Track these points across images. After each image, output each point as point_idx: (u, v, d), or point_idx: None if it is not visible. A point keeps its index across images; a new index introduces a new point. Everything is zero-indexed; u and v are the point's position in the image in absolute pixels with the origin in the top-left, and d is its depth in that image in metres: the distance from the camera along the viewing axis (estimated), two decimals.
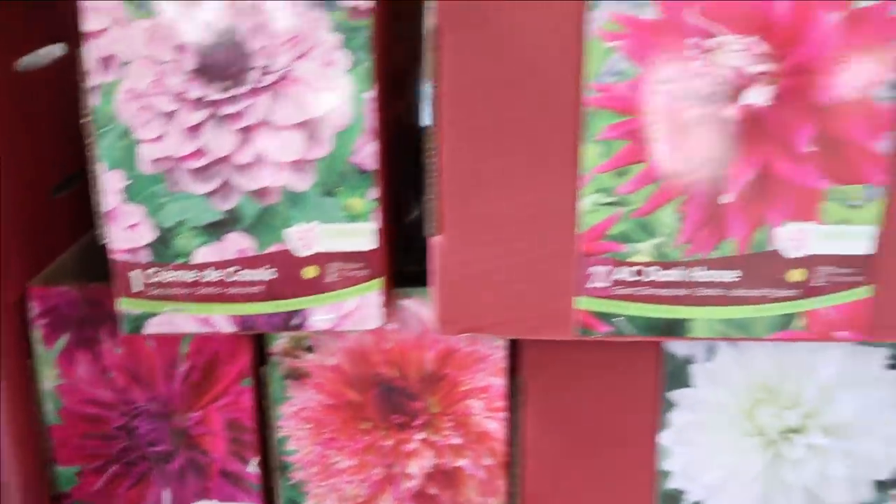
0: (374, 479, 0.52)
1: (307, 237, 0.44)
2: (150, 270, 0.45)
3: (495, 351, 0.49)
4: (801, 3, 0.39)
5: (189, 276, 0.45)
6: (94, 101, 0.43)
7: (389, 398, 0.51)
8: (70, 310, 0.50)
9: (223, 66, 0.42)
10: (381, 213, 0.44)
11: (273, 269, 0.45)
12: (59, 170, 0.54)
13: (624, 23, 0.40)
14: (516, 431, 0.51)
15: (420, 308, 0.49)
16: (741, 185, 0.42)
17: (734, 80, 0.40)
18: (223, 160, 0.43)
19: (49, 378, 0.51)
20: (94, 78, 0.42)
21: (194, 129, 0.43)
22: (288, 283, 0.45)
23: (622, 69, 0.40)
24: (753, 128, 0.41)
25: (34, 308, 0.50)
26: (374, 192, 0.44)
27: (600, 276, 0.43)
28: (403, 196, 0.54)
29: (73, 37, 0.43)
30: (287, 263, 0.45)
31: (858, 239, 0.42)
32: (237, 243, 0.44)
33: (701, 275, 0.43)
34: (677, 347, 0.49)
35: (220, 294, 0.45)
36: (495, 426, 0.51)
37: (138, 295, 0.45)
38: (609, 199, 0.42)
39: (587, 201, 0.42)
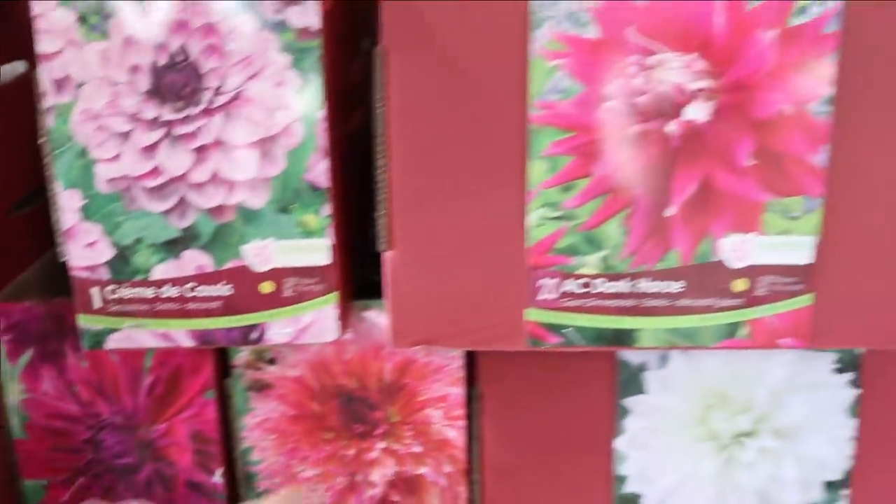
0: (337, 488, 0.53)
1: (263, 253, 0.45)
2: (110, 287, 0.46)
3: (452, 361, 0.50)
4: (738, 22, 0.40)
5: (148, 292, 0.46)
6: (49, 122, 0.43)
7: (350, 408, 0.52)
8: (34, 325, 0.50)
9: (177, 87, 0.43)
10: (336, 228, 0.45)
11: (230, 285, 0.46)
12: (21, 186, 0.54)
13: (566, 42, 0.41)
14: (476, 439, 0.52)
15: (380, 319, 0.50)
16: (684, 199, 0.43)
17: (675, 97, 0.41)
18: (179, 179, 0.44)
19: (14, 393, 0.52)
20: (50, 99, 0.43)
21: (150, 148, 0.44)
22: (245, 298, 0.46)
23: (566, 87, 0.41)
24: (695, 142, 0.42)
25: None
26: (328, 209, 0.44)
27: (549, 288, 0.44)
28: (369, 206, 0.55)
29: (33, 55, 0.43)
30: (244, 279, 0.45)
31: (799, 249, 0.43)
32: (195, 260, 0.45)
33: (647, 286, 0.44)
34: (631, 356, 0.50)
35: (179, 310, 0.46)
36: (454, 434, 0.52)
37: (99, 311, 0.46)
38: (556, 214, 0.43)
39: (534, 216, 0.43)
